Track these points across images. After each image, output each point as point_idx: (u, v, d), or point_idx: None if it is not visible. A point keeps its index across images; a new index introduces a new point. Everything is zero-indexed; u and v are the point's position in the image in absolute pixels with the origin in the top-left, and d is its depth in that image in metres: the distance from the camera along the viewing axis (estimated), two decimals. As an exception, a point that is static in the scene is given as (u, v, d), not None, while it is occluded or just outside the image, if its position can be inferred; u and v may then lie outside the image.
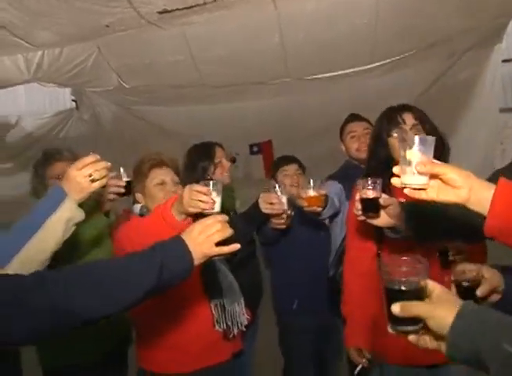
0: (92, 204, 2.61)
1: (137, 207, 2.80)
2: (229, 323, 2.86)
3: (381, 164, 2.72)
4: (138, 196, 2.77)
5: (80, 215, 1.91)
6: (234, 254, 1.94)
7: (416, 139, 1.49)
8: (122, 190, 2.50)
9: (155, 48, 11.81)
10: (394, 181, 1.52)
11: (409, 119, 2.63)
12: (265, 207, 3.00)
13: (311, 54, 12.68)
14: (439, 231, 2.17)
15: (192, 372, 2.74)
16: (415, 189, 1.49)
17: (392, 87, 14.93)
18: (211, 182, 2.38)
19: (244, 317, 2.96)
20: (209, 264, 2.09)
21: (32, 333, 1.60)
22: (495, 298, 1.93)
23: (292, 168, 3.46)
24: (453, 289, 1.96)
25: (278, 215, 3.04)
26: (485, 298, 1.95)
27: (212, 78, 13.50)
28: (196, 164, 3.42)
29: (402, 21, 12.21)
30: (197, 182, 3.37)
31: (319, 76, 15.06)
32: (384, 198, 2.14)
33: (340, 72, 14.68)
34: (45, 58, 11.42)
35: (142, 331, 2.84)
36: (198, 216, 2.38)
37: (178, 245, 1.84)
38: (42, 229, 1.89)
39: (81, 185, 1.98)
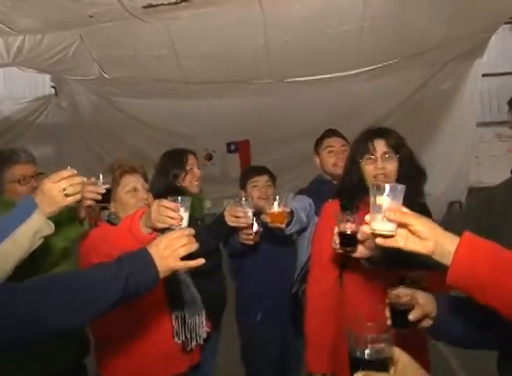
0: (66, 215, 2.55)
1: (105, 214, 2.77)
2: (188, 336, 2.85)
3: (353, 184, 2.73)
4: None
5: (49, 228, 1.87)
6: (197, 268, 1.94)
7: (387, 186, 1.52)
8: (99, 197, 2.44)
9: (138, 40, 11.73)
10: (364, 229, 1.54)
11: (379, 146, 2.61)
12: (230, 221, 3.00)
13: (294, 57, 12.69)
14: (411, 260, 2.18)
15: None
16: (383, 235, 1.51)
17: (374, 94, 15.03)
18: (179, 198, 2.37)
19: (204, 330, 2.96)
20: (172, 275, 2.08)
21: (12, 342, 1.59)
22: (427, 323, 1.98)
23: (262, 180, 3.45)
24: (387, 312, 2.00)
25: (244, 229, 3.04)
26: (417, 322, 1.99)
27: (194, 74, 13.46)
28: (168, 170, 3.41)
29: (388, 29, 12.28)
30: (167, 187, 3.35)
31: (302, 79, 15.15)
32: (361, 233, 2.13)
33: (323, 76, 14.76)
34: (26, 43, 11.29)
35: (102, 339, 2.82)
36: (164, 231, 2.36)
37: (143, 257, 1.83)
38: (8, 239, 1.85)
39: (55, 199, 1.94)
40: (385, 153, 2.58)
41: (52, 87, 15.59)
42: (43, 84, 16.33)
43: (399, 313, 2.02)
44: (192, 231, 1.90)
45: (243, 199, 3.03)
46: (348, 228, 2.18)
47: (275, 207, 2.80)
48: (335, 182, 3.43)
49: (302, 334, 3.41)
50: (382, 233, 1.53)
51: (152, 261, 1.82)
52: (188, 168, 3.37)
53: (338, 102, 15.00)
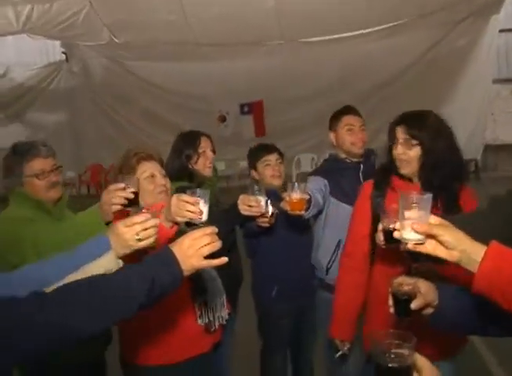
0: (94, 218, 2.57)
1: None
2: (211, 318, 2.92)
3: (385, 167, 2.79)
4: None
5: (117, 265, 1.93)
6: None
7: (414, 197, 1.57)
8: (125, 202, 2.44)
9: (148, 4, 11.62)
10: (395, 234, 1.61)
11: (399, 133, 2.61)
12: (243, 209, 3.00)
13: (305, 17, 12.51)
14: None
15: (175, 364, 2.80)
16: (414, 244, 1.58)
17: (386, 53, 14.83)
18: (198, 191, 2.38)
19: (226, 312, 3.02)
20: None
21: (34, 352, 1.64)
22: (429, 311, 2.02)
23: (273, 158, 3.42)
24: (390, 301, 2.05)
25: (257, 217, 3.07)
26: (419, 311, 2.04)
27: (205, 36, 13.35)
28: (181, 150, 3.40)
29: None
30: (180, 169, 3.38)
31: (313, 39, 14.99)
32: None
33: (333, 36, 14.59)
34: (35, 11, 11.24)
35: (126, 326, 2.88)
36: (186, 224, 2.40)
37: (167, 258, 1.84)
38: (78, 273, 1.91)
39: (128, 242, 1.97)
40: (405, 139, 2.58)
41: (63, 53, 15.52)
42: (53, 51, 16.26)
43: (401, 302, 2.05)
44: (214, 229, 1.90)
45: (255, 187, 3.03)
46: (392, 225, 2.20)
47: (295, 195, 2.81)
48: (349, 160, 3.41)
49: (314, 307, 3.51)
50: (412, 242, 1.59)
51: (176, 260, 1.83)
52: (200, 150, 3.34)
53: (350, 61, 14.86)
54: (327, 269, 3.42)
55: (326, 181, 3.34)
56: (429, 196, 1.58)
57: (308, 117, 15.63)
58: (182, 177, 3.32)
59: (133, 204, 2.44)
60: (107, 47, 14.21)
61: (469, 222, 1.81)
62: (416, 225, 1.55)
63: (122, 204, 2.42)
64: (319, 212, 3.38)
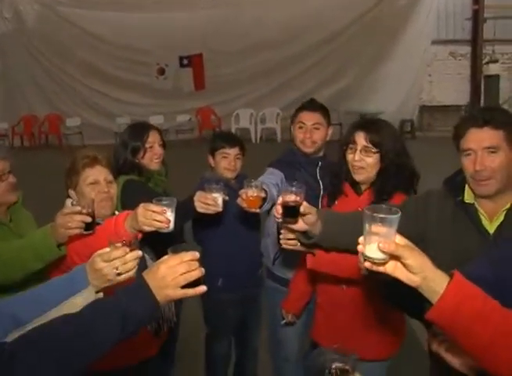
0: (44, 242, 2.46)
1: (68, 204, 2.70)
2: (160, 322, 2.90)
3: (336, 168, 2.79)
4: (71, 193, 2.67)
5: (93, 298, 1.81)
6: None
7: (382, 216, 1.49)
8: (82, 225, 2.31)
9: None
10: (358, 248, 1.54)
11: (359, 139, 2.61)
12: (199, 207, 2.97)
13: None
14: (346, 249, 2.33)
15: (123, 369, 2.74)
16: (375, 263, 1.53)
17: (331, 8, 14.80)
18: (164, 201, 2.32)
19: (172, 313, 2.99)
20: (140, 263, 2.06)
21: None
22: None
23: (233, 153, 3.32)
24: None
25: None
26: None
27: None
28: (127, 144, 3.29)
29: None
30: (125, 162, 3.28)
31: (257, -10, 14.81)
32: (304, 206, 2.19)
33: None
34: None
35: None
36: (85, 229, 2.33)
37: (141, 291, 1.69)
38: (54, 310, 1.80)
39: (107, 277, 1.85)
40: (364, 146, 2.59)
41: (-7, -4, 14.79)
42: (-17, -6, 15.52)
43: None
44: (195, 255, 1.72)
45: (214, 185, 3.01)
46: (292, 200, 2.24)
47: (251, 193, 2.81)
48: (307, 155, 3.39)
49: (260, 297, 3.63)
50: (374, 261, 1.54)
51: (150, 292, 1.65)
52: (148, 145, 3.22)
53: (296, 15, 14.72)
54: (274, 260, 3.46)
55: (282, 175, 3.33)
56: (398, 216, 1.50)
57: (247, 72, 15.56)
58: (130, 171, 3.23)
59: (90, 228, 2.34)
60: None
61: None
62: (382, 245, 1.49)
63: (80, 228, 2.33)
64: (268, 211, 3.41)
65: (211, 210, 2.98)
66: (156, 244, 1.74)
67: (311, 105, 3.39)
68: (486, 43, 15.66)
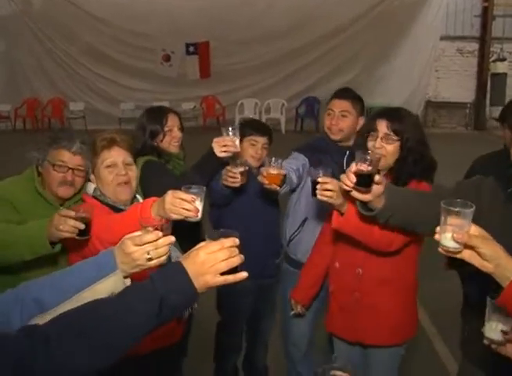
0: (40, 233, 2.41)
1: (90, 188, 2.64)
2: None
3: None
4: (92, 177, 2.61)
5: (124, 285, 1.72)
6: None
7: (458, 209, 1.63)
8: (75, 231, 2.24)
9: None
10: (435, 236, 1.66)
11: (381, 127, 2.61)
12: (219, 151, 2.93)
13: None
14: (412, 227, 2.36)
15: (146, 354, 2.70)
16: (451, 251, 1.65)
17: (340, 0, 14.71)
18: (193, 188, 2.25)
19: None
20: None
21: None
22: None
23: (261, 141, 3.29)
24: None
25: (232, 164, 3.01)
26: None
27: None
28: (145, 126, 3.24)
29: None
30: (144, 145, 3.23)
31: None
32: (378, 176, 2.19)
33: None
34: None
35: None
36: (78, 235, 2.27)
37: (179, 276, 1.58)
38: (80, 294, 1.71)
39: (137, 262, 1.75)
40: (386, 134, 2.59)
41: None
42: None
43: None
44: (235, 241, 1.65)
45: (230, 128, 2.97)
46: (367, 168, 2.20)
47: (272, 170, 2.78)
48: (338, 143, 3.36)
49: (276, 287, 3.61)
50: (449, 250, 1.65)
51: (188, 278, 1.58)
52: (167, 128, 3.18)
53: (303, 7, 14.66)
54: (289, 240, 3.45)
55: (307, 160, 3.30)
56: (472, 210, 1.62)
57: (255, 62, 15.47)
58: (150, 153, 3.19)
59: (85, 233, 2.27)
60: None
61: None
62: (456, 235, 1.63)
63: (71, 232, 2.26)
64: (292, 191, 3.39)
65: (232, 150, 2.95)
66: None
67: (342, 93, 3.37)
68: (494, 41, 15.58)
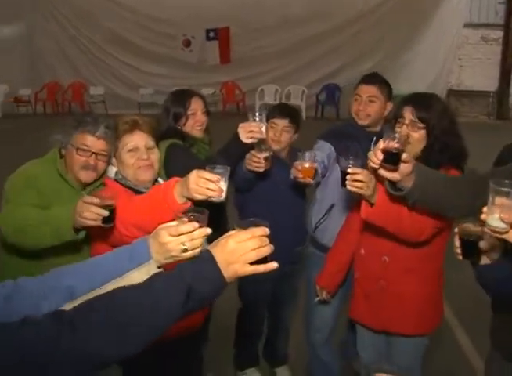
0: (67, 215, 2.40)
1: (112, 171, 2.63)
2: None
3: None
4: (113, 160, 2.60)
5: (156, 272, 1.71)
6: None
7: (506, 189, 1.65)
8: (99, 218, 2.21)
9: None
10: (482, 216, 1.67)
11: (407, 114, 2.57)
12: (245, 137, 2.90)
13: None
14: (441, 209, 2.33)
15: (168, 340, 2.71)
16: (497, 231, 1.66)
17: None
18: (217, 168, 2.23)
19: None
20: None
21: None
22: (494, 256, 2.04)
23: (281, 124, 3.24)
24: (457, 242, 2.04)
25: (258, 143, 2.98)
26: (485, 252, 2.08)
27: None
28: (169, 109, 3.22)
29: None
30: (168, 129, 3.20)
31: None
32: (406, 154, 2.16)
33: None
34: None
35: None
36: (201, 201, 2.24)
37: (207, 265, 1.56)
38: (112, 283, 1.69)
39: (171, 253, 1.73)
40: (412, 121, 2.55)
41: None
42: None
43: (469, 243, 2.08)
44: (265, 231, 1.61)
45: (257, 113, 2.94)
46: (394, 146, 2.18)
47: (305, 163, 2.78)
48: (365, 128, 3.32)
49: (297, 274, 3.60)
50: (496, 229, 1.66)
51: (217, 267, 1.54)
52: (190, 112, 3.15)
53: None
54: (315, 227, 3.42)
55: (332, 148, 3.26)
56: None
57: (275, 48, 15.35)
58: (174, 137, 3.16)
59: (110, 221, 2.25)
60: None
61: None
62: (503, 215, 1.63)
63: (95, 220, 2.24)
64: (316, 184, 3.37)
65: (257, 136, 2.93)
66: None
67: (369, 78, 3.32)
68: (520, 29, 15.27)
